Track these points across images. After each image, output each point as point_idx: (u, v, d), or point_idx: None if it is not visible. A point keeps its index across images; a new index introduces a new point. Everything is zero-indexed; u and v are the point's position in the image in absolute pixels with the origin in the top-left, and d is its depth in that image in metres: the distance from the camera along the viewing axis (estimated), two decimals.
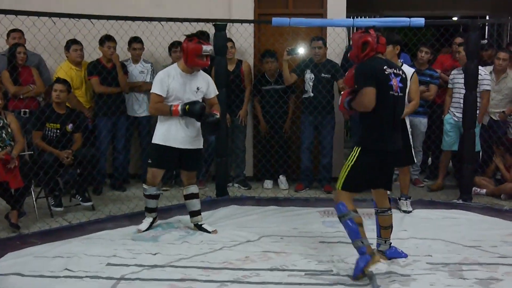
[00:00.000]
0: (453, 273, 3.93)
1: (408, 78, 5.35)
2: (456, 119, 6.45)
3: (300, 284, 3.78)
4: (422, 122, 6.75)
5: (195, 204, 5.00)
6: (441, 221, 5.29)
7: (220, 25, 6.04)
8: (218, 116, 4.77)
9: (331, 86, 6.48)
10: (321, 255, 4.30)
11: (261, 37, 6.93)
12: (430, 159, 7.50)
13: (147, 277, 3.89)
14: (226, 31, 6.14)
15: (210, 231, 4.91)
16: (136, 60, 6.68)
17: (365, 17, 9.29)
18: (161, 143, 4.75)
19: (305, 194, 6.41)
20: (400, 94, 3.91)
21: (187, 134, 4.76)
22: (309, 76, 6.45)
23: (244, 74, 6.68)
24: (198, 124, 4.76)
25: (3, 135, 5.15)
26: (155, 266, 4.09)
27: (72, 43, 6.23)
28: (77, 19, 5.36)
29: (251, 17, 6.90)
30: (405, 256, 4.22)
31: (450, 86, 6.57)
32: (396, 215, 5.39)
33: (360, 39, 3.95)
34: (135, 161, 7.03)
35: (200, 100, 4.79)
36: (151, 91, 4.73)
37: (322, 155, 6.60)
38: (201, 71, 4.86)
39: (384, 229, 4.21)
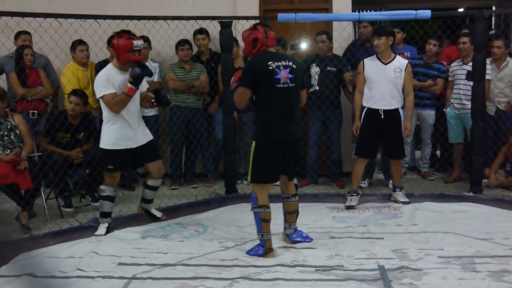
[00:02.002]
0: (465, 266, 3.91)
1: (403, 69, 5.41)
2: (457, 111, 6.45)
3: (311, 280, 3.77)
4: (430, 114, 6.72)
5: (151, 195, 5.22)
6: (452, 214, 5.25)
7: (226, 22, 6.03)
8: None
9: (338, 80, 6.45)
10: (331, 250, 4.29)
11: None
12: (438, 151, 7.47)
13: (158, 276, 3.90)
14: (232, 28, 6.12)
15: (159, 216, 5.21)
16: (143, 59, 6.67)
17: (370, 10, 9.25)
18: (115, 148, 4.79)
19: (314, 190, 6.39)
20: (291, 84, 4.11)
21: (135, 132, 4.84)
22: (314, 70, 6.43)
23: None
24: (141, 119, 4.97)
25: (12, 137, 5.17)
26: (166, 264, 4.09)
27: (78, 44, 6.23)
28: (83, 20, 5.36)
29: (257, 14, 6.88)
30: (310, 240, 4.49)
31: (450, 79, 6.55)
32: (406, 209, 5.43)
33: (250, 37, 4.15)
34: None
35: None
36: (101, 95, 4.67)
37: (331, 150, 6.58)
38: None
39: (289, 214, 4.49)
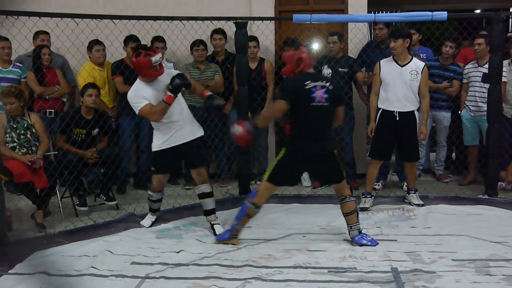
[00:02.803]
0: (479, 270, 3.87)
1: (419, 72, 5.38)
2: (473, 114, 6.40)
3: (323, 281, 3.75)
4: (446, 116, 6.67)
5: (208, 203, 4.97)
6: (466, 217, 5.21)
7: (241, 23, 6.03)
8: (211, 94, 4.93)
9: (350, 80, 6.42)
10: (344, 252, 4.28)
11: (282, 34, 6.90)
12: (454, 154, 7.41)
13: (171, 275, 3.90)
14: (247, 28, 6.12)
15: (217, 233, 4.79)
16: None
17: (386, 12, 9.21)
18: (162, 148, 4.81)
19: (328, 191, 6.37)
20: (325, 103, 4.27)
21: (179, 130, 4.80)
22: (326, 71, 6.39)
23: (266, 73, 6.64)
24: (188, 113, 4.91)
25: (28, 135, 5.21)
26: (179, 264, 4.10)
27: (94, 44, 6.27)
28: (99, 20, 5.39)
29: (272, 14, 6.89)
30: (375, 244, 4.43)
31: (465, 81, 6.49)
32: (420, 211, 5.40)
33: (295, 56, 4.33)
34: None
35: None
36: (138, 110, 4.67)
37: (345, 152, 6.55)
38: (165, 68, 4.88)
39: (347, 215, 4.49)
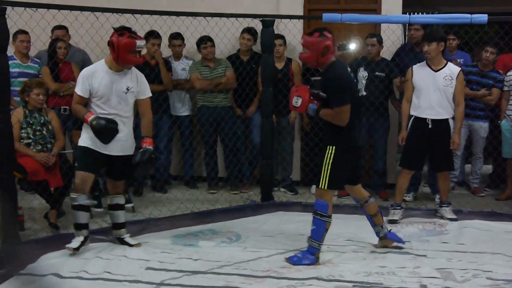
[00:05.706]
0: None
1: (454, 77, 5.34)
2: None
3: None
4: (483, 126, 6.61)
5: (119, 216, 4.81)
6: (503, 234, 5.16)
7: (268, 21, 6.06)
8: (150, 149, 4.59)
9: (385, 86, 6.41)
10: (370, 266, 4.27)
11: None
12: (491, 166, 7.36)
13: (187, 283, 3.94)
14: (274, 27, 6.16)
15: (133, 244, 4.71)
16: (177, 57, 6.79)
17: (422, 13, 9.17)
18: (89, 146, 4.55)
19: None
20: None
21: (113, 142, 4.55)
22: (362, 74, 6.39)
23: (293, 74, 6.68)
24: (129, 128, 4.67)
25: (44, 132, 5.28)
26: (196, 272, 4.14)
27: None
28: (120, 14, 5.46)
29: (300, 13, 6.91)
30: (403, 242, 4.68)
31: (506, 88, 6.42)
32: (453, 226, 5.36)
33: (321, 44, 4.16)
34: (176, 162, 7.12)
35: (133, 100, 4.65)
36: (74, 91, 4.58)
37: (375, 160, 6.55)
38: (134, 68, 4.64)
39: (374, 216, 4.60)
